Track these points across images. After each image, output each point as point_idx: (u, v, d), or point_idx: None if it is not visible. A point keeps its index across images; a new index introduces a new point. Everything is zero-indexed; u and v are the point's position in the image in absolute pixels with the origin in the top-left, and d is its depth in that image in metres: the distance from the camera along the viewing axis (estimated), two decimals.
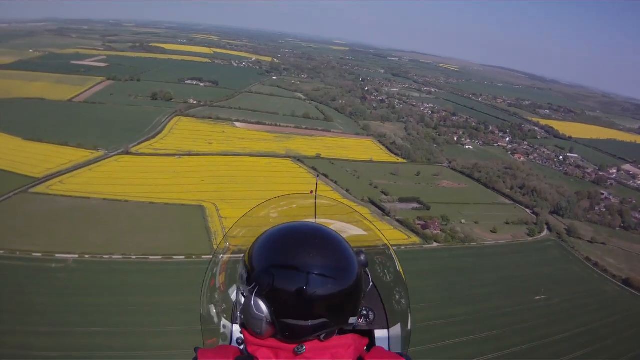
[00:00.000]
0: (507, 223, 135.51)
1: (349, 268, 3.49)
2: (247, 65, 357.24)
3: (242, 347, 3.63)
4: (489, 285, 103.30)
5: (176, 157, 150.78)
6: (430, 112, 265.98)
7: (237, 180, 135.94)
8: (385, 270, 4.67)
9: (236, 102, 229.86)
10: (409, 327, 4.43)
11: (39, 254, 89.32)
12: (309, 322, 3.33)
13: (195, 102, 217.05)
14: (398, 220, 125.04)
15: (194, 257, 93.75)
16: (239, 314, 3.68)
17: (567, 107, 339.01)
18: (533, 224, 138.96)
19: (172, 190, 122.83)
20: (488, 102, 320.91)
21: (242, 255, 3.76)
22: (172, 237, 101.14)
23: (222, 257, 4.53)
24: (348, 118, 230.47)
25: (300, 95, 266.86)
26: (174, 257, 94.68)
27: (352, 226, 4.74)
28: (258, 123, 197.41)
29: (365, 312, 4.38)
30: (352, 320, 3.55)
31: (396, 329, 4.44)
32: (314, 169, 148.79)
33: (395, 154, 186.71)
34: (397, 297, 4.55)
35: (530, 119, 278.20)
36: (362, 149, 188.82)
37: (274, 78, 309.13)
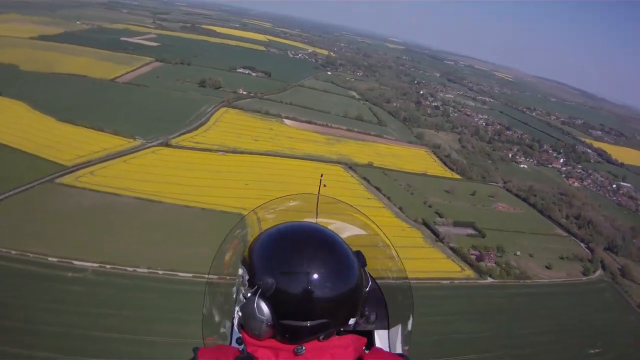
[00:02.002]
0: (562, 258, 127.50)
1: (349, 269, 3.65)
2: (303, 57, 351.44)
3: (242, 347, 3.73)
4: (545, 333, 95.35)
5: (219, 153, 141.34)
6: (484, 123, 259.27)
7: (283, 187, 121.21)
8: (387, 271, 4.70)
9: (287, 96, 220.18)
10: (410, 328, 4.50)
11: (55, 259, 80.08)
12: (310, 323, 3.45)
13: (244, 93, 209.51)
14: (451, 248, 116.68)
15: (227, 277, 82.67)
16: (238, 315, 3.79)
17: (618, 130, 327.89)
18: (588, 261, 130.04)
19: (211, 194, 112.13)
20: (542, 118, 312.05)
21: (240, 254, 3.94)
22: (206, 250, 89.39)
23: (222, 258, 4.51)
24: (402, 124, 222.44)
25: (354, 94, 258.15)
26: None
27: (352, 226, 4.77)
28: (309, 122, 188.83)
29: (366, 313, 4.33)
30: (351, 320, 3.70)
31: (396, 330, 4.49)
32: (366, 179, 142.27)
33: (450, 168, 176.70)
34: (400, 297, 4.67)
35: (583, 139, 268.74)
36: (416, 159, 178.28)
37: (329, 73, 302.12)
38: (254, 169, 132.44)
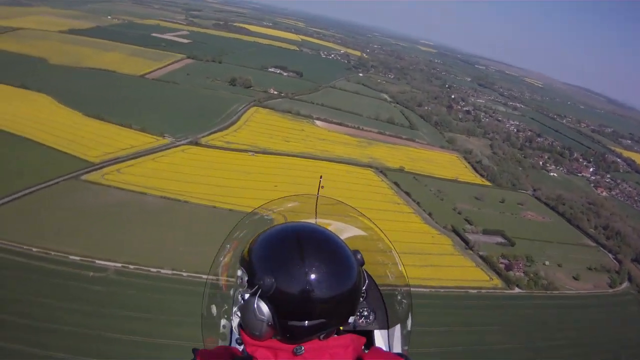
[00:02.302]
0: (590, 269, 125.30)
1: (348, 269, 3.64)
2: (335, 58, 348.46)
3: (241, 347, 3.77)
4: (571, 346, 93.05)
5: (250, 153, 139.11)
6: (515, 130, 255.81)
7: (313, 190, 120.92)
8: (387, 271, 4.86)
9: (319, 97, 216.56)
10: (409, 328, 4.62)
11: (77, 258, 78.13)
12: (309, 323, 3.47)
13: (275, 93, 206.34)
14: (481, 257, 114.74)
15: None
16: (238, 315, 3.78)
17: None
18: (615, 272, 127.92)
19: (240, 195, 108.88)
20: (572, 126, 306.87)
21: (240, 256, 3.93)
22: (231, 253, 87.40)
23: (221, 259, 4.70)
24: (433, 128, 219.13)
25: (386, 96, 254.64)
26: (230, 279, 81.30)
27: (352, 226, 4.91)
28: (340, 124, 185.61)
29: (366, 313, 4.62)
30: (350, 319, 3.73)
31: (396, 329, 4.62)
32: (397, 184, 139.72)
33: (481, 175, 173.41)
34: (399, 297, 4.80)
35: (613, 148, 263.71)
36: (447, 164, 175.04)
37: (361, 75, 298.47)
38: (284, 171, 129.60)
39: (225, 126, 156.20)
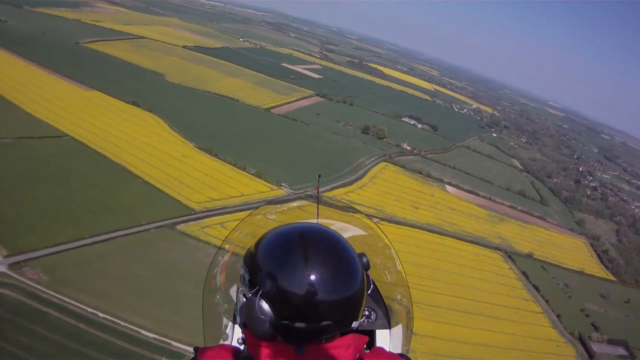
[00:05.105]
0: None
1: (354, 273, 3.63)
2: (468, 113, 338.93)
3: (243, 347, 3.81)
4: None
5: (374, 221, 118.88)
6: None
7: (438, 274, 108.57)
8: (386, 271, 4.75)
9: (451, 157, 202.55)
10: (410, 328, 4.57)
11: (150, 335, 65.28)
12: (312, 325, 3.45)
13: (408, 148, 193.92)
14: None
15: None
16: (239, 315, 3.84)
17: None
18: None
19: None
20: None
21: (242, 255, 3.91)
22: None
23: (222, 258, 4.53)
24: (563, 205, 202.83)
25: (517, 163, 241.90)
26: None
27: (352, 226, 4.75)
28: (471, 192, 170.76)
29: (367, 312, 4.49)
30: (354, 324, 3.69)
31: (397, 329, 4.55)
32: (525, 274, 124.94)
33: (606, 267, 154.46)
34: (399, 297, 4.73)
35: None
36: (574, 252, 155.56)
37: (494, 135, 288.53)
38: (410, 247, 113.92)
39: (350, 181, 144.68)
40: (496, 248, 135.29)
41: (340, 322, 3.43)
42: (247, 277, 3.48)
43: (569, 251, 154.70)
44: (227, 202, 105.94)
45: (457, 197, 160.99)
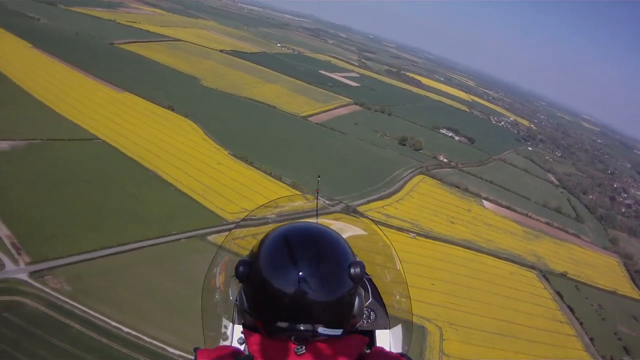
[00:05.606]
0: None
1: (341, 276, 3.61)
2: (505, 126, 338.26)
3: (242, 347, 3.89)
4: None
5: (411, 235, 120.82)
6: None
7: (473, 293, 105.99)
8: (386, 271, 4.84)
9: (488, 171, 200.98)
10: (410, 328, 4.66)
11: (176, 352, 62.53)
12: (309, 326, 3.48)
13: (445, 161, 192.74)
14: None
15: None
16: (238, 315, 4.00)
17: None
18: None
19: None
20: None
21: (242, 255, 3.92)
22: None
23: (222, 258, 4.67)
24: (597, 222, 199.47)
25: (553, 178, 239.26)
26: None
27: (352, 226, 4.93)
28: (508, 207, 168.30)
29: (367, 312, 4.50)
30: (338, 332, 3.67)
31: (397, 329, 4.61)
32: (559, 294, 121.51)
33: (639, 287, 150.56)
34: (398, 297, 4.78)
35: None
36: (607, 270, 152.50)
37: (530, 149, 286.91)
38: (445, 264, 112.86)
39: (387, 194, 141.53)
40: (531, 266, 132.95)
41: (335, 323, 3.48)
42: (245, 275, 3.54)
43: (603, 270, 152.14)
44: (260, 212, 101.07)
45: (493, 213, 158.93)
